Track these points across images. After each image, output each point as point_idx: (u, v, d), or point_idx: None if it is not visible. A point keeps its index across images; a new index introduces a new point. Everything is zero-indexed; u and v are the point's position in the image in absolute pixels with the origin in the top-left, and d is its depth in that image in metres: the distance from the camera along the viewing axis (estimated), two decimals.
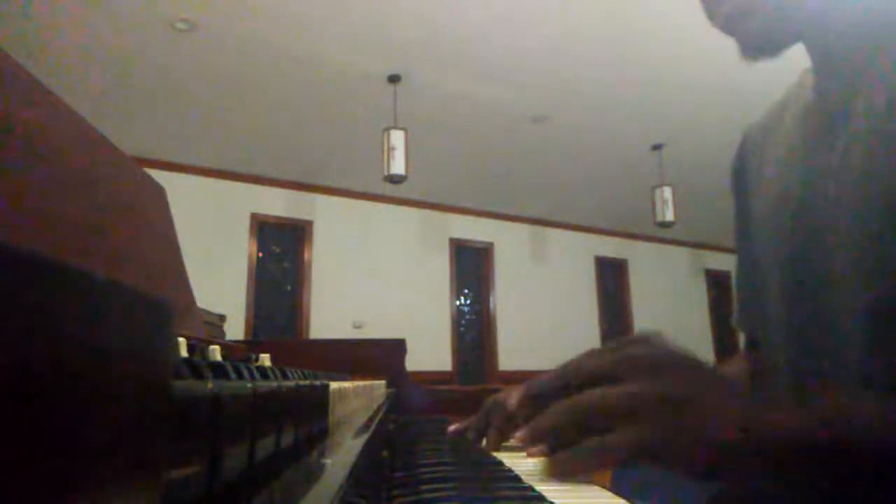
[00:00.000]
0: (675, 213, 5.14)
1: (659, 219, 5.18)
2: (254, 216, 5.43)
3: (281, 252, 5.64)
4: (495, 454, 0.62)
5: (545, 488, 0.41)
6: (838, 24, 0.53)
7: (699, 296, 8.03)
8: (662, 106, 4.50)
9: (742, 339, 0.79)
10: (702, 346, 7.79)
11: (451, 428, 0.72)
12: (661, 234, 6.83)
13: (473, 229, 6.56)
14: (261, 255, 5.48)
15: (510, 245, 6.75)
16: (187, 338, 0.39)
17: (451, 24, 3.49)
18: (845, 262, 0.51)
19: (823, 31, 0.54)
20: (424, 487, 0.42)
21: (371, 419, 0.52)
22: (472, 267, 6.58)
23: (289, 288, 5.58)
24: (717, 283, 8.20)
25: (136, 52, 3.60)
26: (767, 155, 0.66)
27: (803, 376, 0.58)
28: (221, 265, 5.02)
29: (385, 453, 0.60)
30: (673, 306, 7.60)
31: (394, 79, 3.99)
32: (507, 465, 0.53)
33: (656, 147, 5.15)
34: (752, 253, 0.68)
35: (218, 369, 0.21)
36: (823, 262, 0.54)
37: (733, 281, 0.77)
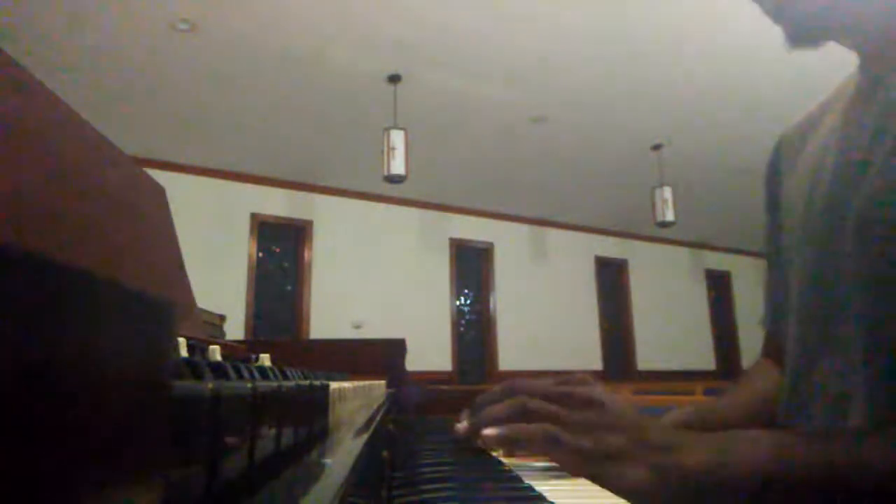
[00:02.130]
0: (675, 213, 5.14)
1: (659, 219, 5.18)
2: (254, 216, 5.43)
3: (281, 252, 5.64)
4: (494, 454, 0.62)
5: (545, 488, 0.41)
6: (888, 21, 0.53)
7: (699, 296, 8.03)
8: (662, 106, 4.51)
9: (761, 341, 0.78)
10: (702, 346, 7.79)
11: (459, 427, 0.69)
12: (661, 234, 6.83)
13: (473, 229, 6.56)
14: (261, 255, 5.48)
15: (510, 245, 6.75)
16: (187, 338, 0.39)
17: (451, 24, 3.49)
18: (859, 260, 0.51)
19: (870, 26, 0.54)
20: (424, 487, 0.42)
21: (371, 419, 0.52)
22: (472, 267, 6.58)
23: (289, 288, 5.58)
24: (717, 283, 8.20)
25: (136, 52, 3.60)
26: (804, 155, 0.65)
27: (806, 379, 0.58)
28: (221, 265, 5.02)
29: (385, 453, 0.60)
30: (673, 306, 7.60)
31: (394, 79, 3.99)
32: (508, 465, 0.53)
33: (656, 147, 5.16)
34: (782, 259, 0.67)
35: (218, 369, 0.21)
36: (842, 258, 0.54)
37: (763, 286, 0.76)
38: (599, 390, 0.50)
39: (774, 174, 0.72)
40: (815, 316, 0.57)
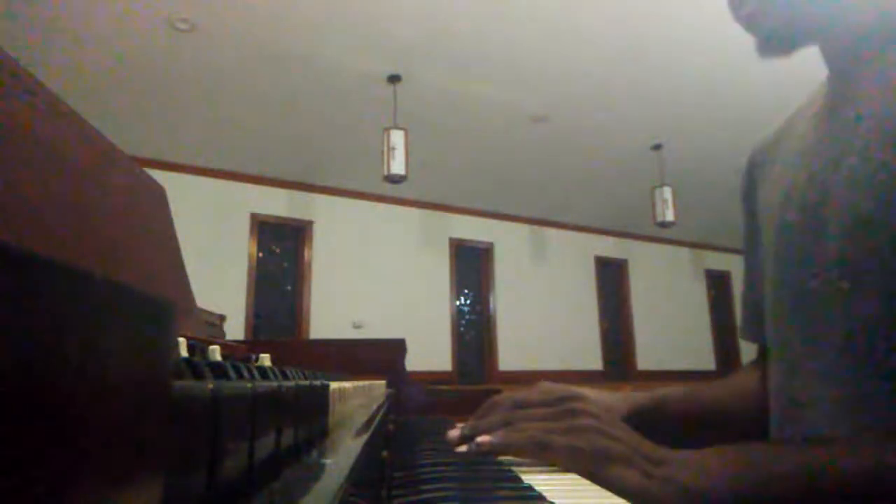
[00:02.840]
0: (675, 213, 5.14)
1: (659, 219, 5.18)
2: (254, 216, 5.43)
3: (281, 252, 5.64)
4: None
5: (545, 488, 0.41)
6: (853, 27, 0.55)
7: (699, 296, 8.03)
8: (662, 106, 4.51)
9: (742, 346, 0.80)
10: (702, 346, 7.79)
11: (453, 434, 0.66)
12: (661, 234, 6.83)
13: (473, 229, 6.55)
14: (261, 255, 5.48)
15: (510, 245, 6.75)
16: (187, 338, 0.39)
17: (451, 24, 3.49)
18: (835, 258, 0.52)
19: (837, 33, 0.56)
20: (424, 487, 0.42)
21: (371, 419, 0.52)
22: (472, 267, 6.58)
23: (289, 288, 5.58)
24: (717, 283, 8.20)
25: (136, 52, 3.60)
26: (775, 165, 0.66)
27: (789, 385, 0.58)
28: (221, 265, 5.02)
29: (385, 453, 0.60)
30: (673, 306, 7.60)
31: (394, 79, 3.99)
32: (507, 464, 0.53)
33: (656, 147, 5.16)
34: (760, 264, 0.68)
35: (218, 369, 0.21)
36: (821, 264, 0.54)
37: (740, 295, 0.77)
38: (592, 400, 0.54)
39: (749, 186, 0.74)
40: (794, 325, 0.58)
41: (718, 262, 8.20)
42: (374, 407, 0.70)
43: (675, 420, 0.72)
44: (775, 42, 0.56)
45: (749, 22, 0.57)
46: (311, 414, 0.34)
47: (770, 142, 0.71)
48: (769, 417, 0.66)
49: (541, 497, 0.39)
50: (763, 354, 0.76)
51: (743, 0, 0.57)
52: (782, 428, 0.60)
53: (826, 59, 0.59)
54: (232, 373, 0.23)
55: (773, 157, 0.68)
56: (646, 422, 0.69)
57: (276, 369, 0.33)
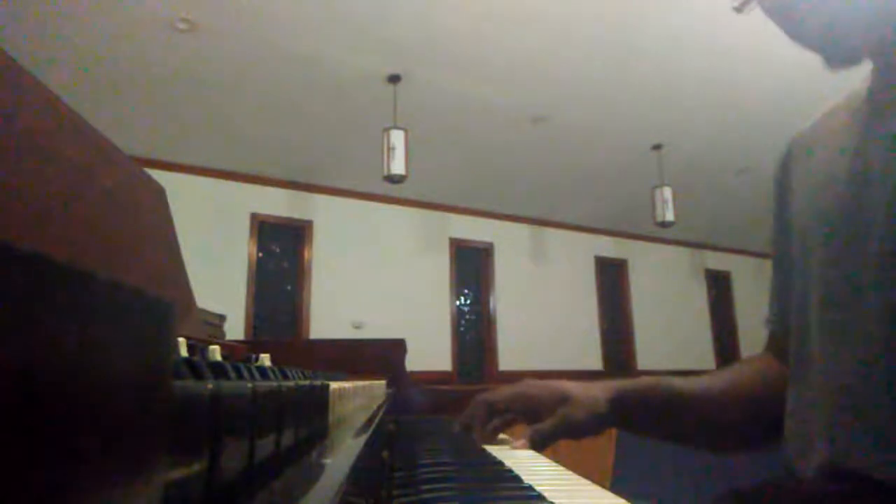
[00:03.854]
0: (675, 213, 5.14)
1: (659, 219, 5.18)
2: (254, 216, 5.42)
3: (281, 252, 5.64)
4: (496, 454, 0.62)
5: (545, 488, 0.41)
6: None
7: (699, 296, 8.03)
8: (662, 106, 4.50)
9: (764, 338, 0.80)
10: (702, 346, 7.79)
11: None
12: (661, 234, 6.83)
13: (473, 229, 6.55)
14: (261, 255, 5.48)
15: (510, 245, 6.75)
16: (187, 338, 0.39)
17: (451, 24, 3.49)
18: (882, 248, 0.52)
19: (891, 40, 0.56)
20: (424, 487, 0.42)
21: (371, 419, 0.52)
22: (472, 267, 6.57)
23: (289, 288, 5.57)
24: (717, 283, 8.20)
25: (136, 52, 3.60)
26: (816, 153, 0.66)
27: (835, 368, 0.58)
28: (221, 265, 5.01)
29: (385, 453, 0.60)
30: (673, 306, 7.60)
31: (394, 79, 3.99)
32: (508, 465, 0.53)
33: (656, 147, 5.15)
34: (791, 253, 0.68)
35: (218, 369, 0.21)
36: (863, 246, 0.54)
37: (770, 288, 0.77)
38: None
39: (784, 177, 0.73)
40: (836, 307, 0.57)
41: (718, 262, 8.19)
42: (374, 407, 0.70)
43: (654, 408, 0.75)
44: (849, 58, 0.55)
45: (816, 43, 0.55)
46: (311, 414, 0.34)
47: (808, 135, 0.71)
48: (766, 413, 0.66)
49: (541, 497, 0.39)
50: (774, 345, 0.76)
51: (813, 13, 0.54)
52: (803, 412, 0.59)
53: (872, 57, 0.58)
54: (232, 373, 0.23)
55: (810, 151, 0.68)
56: (627, 408, 0.74)
57: (276, 369, 0.33)
